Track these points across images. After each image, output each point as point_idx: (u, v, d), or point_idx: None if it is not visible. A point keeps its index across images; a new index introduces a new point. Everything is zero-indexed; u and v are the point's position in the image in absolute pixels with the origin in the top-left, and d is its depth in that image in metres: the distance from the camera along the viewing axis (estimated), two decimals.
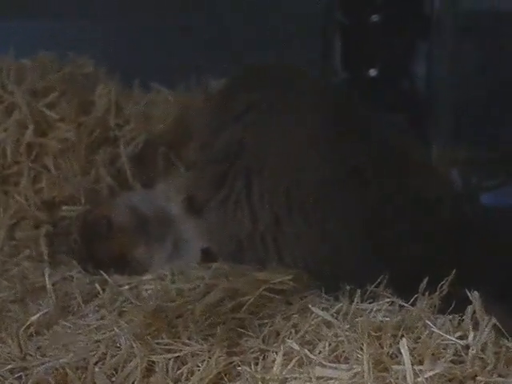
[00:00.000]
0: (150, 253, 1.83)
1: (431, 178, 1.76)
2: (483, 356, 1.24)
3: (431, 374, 1.19)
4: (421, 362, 1.23)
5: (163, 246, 1.84)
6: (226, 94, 1.84)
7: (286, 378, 1.25)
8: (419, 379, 1.19)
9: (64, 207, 1.97)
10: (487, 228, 1.71)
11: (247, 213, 1.71)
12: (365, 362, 1.22)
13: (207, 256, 1.80)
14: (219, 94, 1.91)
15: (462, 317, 1.33)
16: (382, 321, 1.33)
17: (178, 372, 1.31)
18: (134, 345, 1.33)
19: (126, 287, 1.61)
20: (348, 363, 1.25)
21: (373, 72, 2.51)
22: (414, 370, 1.20)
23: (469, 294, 1.32)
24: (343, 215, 1.66)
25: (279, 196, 1.68)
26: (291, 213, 1.68)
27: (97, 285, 1.62)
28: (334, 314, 1.40)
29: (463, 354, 1.24)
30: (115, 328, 1.40)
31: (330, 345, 1.30)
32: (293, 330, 1.38)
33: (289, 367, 1.27)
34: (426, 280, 1.40)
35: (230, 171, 1.74)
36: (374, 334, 1.29)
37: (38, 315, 1.50)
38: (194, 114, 2.08)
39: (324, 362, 1.26)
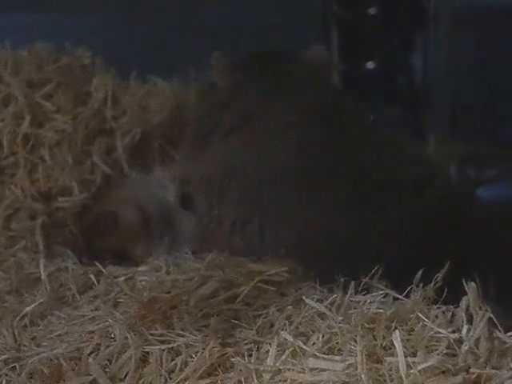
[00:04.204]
0: (151, 247, 1.83)
1: (426, 169, 1.76)
2: (476, 350, 1.23)
3: (424, 366, 1.19)
4: (414, 354, 1.22)
5: (163, 239, 1.84)
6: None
7: (280, 370, 1.25)
8: (412, 371, 1.18)
9: (60, 198, 1.97)
10: (483, 220, 1.71)
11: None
12: (358, 354, 1.22)
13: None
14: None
15: (456, 308, 1.32)
16: (375, 313, 1.33)
17: (172, 363, 1.31)
18: (128, 336, 1.34)
19: (121, 278, 1.61)
20: (341, 355, 1.25)
21: (370, 65, 2.51)
22: (407, 361, 1.19)
23: (464, 285, 1.32)
24: (336, 205, 1.67)
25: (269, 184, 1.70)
26: (282, 202, 1.68)
27: (92, 276, 1.63)
28: (328, 306, 1.40)
29: (456, 347, 1.24)
30: (109, 319, 1.41)
31: (323, 336, 1.30)
32: (287, 322, 1.37)
33: (282, 358, 1.26)
34: (420, 272, 1.40)
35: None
36: (367, 325, 1.29)
37: (32, 306, 1.51)
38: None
39: (317, 354, 1.25)
